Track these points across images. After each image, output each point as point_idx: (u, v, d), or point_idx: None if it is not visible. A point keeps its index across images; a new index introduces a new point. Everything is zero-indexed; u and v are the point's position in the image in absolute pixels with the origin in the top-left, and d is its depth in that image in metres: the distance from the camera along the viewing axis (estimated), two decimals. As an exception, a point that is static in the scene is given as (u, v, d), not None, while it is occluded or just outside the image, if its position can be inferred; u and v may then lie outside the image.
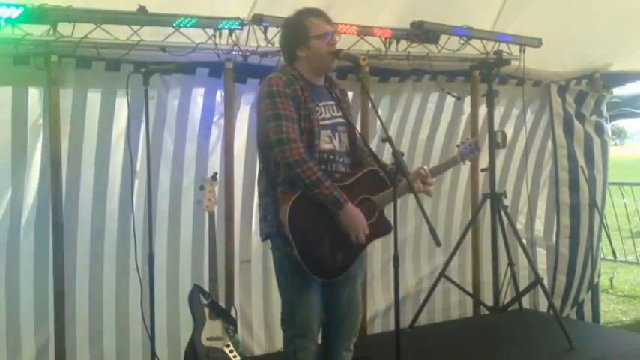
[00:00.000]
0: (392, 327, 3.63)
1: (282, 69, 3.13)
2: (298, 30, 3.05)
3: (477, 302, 5.19)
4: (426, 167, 3.22)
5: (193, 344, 3.64)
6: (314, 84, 3.08)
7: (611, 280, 7.65)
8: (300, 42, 3.04)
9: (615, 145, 37.41)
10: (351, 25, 4.12)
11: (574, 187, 5.49)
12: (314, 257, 2.94)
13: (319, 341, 3.23)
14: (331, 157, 3.02)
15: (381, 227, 3.10)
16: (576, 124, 5.48)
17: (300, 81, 3.02)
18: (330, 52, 3.03)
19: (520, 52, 4.86)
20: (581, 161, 5.50)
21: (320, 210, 2.92)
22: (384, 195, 3.06)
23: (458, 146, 3.58)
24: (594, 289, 5.79)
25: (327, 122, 3.04)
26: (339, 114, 3.10)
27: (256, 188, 3.28)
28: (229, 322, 3.77)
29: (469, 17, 4.59)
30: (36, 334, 3.83)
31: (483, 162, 5.03)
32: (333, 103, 3.11)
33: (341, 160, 3.07)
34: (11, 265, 3.77)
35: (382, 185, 3.07)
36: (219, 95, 4.24)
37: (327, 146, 3.01)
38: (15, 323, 3.78)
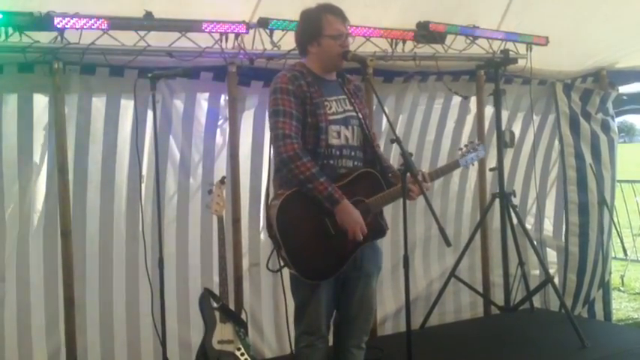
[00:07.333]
0: (402, 328, 3.61)
1: (291, 66, 3.15)
2: (313, 25, 3.06)
3: (488, 302, 5.17)
4: (423, 171, 3.18)
5: (204, 348, 3.64)
6: (324, 79, 3.09)
7: (622, 278, 7.61)
8: (312, 37, 3.06)
9: (624, 142, 37.19)
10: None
11: (582, 185, 5.46)
12: (302, 258, 2.93)
13: (331, 338, 3.22)
14: (338, 152, 3.01)
15: (373, 231, 3.05)
16: (582, 122, 5.46)
17: (309, 77, 3.03)
18: (339, 53, 3.04)
19: (527, 50, 4.85)
20: (588, 159, 5.48)
21: (311, 210, 2.91)
22: (379, 197, 3.03)
23: (460, 149, 3.51)
24: (605, 287, 5.76)
25: (337, 117, 3.03)
26: (352, 108, 3.10)
27: (266, 189, 3.26)
28: (240, 326, 3.77)
29: (475, 17, 4.59)
30: (47, 340, 3.84)
31: (491, 161, 5.02)
32: (344, 97, 3.11)
33: (353, 153, 3.06)
34: (21, 271, 3.79)
35: (377, 187, 3.05)
36: (223, 99, 4.26)
37: (334, 141, 3.01)
38: (26, 330, 3.79)
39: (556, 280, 5.22)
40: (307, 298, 3.02)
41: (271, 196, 3.10)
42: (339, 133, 3.02)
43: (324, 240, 2.94)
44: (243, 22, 3.86)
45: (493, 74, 4.89)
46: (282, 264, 3.04)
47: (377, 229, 3.08)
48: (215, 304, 3.72)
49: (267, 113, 3.08)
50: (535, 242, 5.11)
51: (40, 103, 3.76)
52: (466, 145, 3.52)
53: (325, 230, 2.93)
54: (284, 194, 2.92)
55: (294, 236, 2.92)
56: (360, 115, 3.10)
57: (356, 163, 3.07)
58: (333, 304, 3.11)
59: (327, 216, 2.93)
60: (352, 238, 2.93)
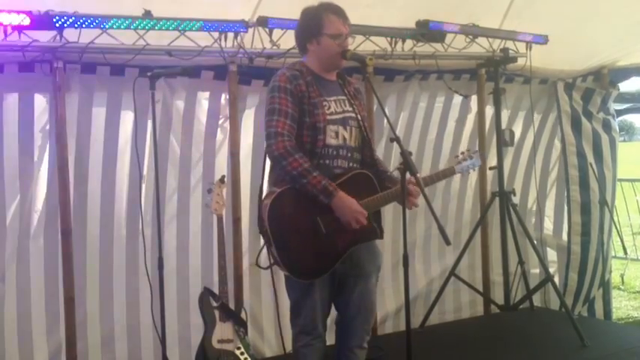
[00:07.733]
0: (402, 327, 3.60)
1: (291, 64, 3.14)
2: (313, 23, 3.06)
3: (488, 301, 5.17)
4: (418, 175, 3.13)
5: (204, 347, 3.65)
6: (324, 78, 3.08)
7: (622, 276, 7.61)
8: (311, 35, 3.06)
9: (624, 141, 37.12)
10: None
11: (584, 184, 5.46)
12: (292, 256, 2.92)
13: (332, 338, 3.22)
14: (335, 152, 3.00)
15: (367, 232, 3.02)
16: (584, 121, 5.45)
17: (308, 76, 3.02)
18: (338, 52, 3.04)
19: (527, 49, 4.85)
20: (590, 158, 5.49)
21: (303, 208, 2.90)
22: (373, 199, 3.01)
23: (457, 156, 3.47)
24: (605, 286, 5.76)
25: (335, 117, 3.02)
26: (351, 109, 3.09)
27: (260, 187, 3.26)
28: (240, 325, 3.77)
29: (476, 16, 4.58)
30: (48, 339, 3.85)
31: (492, 160, 5.02)
32: (344, 98, 3.10)
33: (350, 154, 3.05)
34: (21, 270, 3.79)
35: (371, 189, 3.03)
36: (223, 98, 4.25)
37: (332, 141, 3.00)
38: (26, 329, 3.80)
39: (556, 279, 5.22)
40: (301, 297, 3.02)
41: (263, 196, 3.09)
42: (336, 133, 3.01)
43: (315, 239, 2.92)
44: (242, 20, 3.86)
45: (493, 73, 4.88)
46: (272, 261, 3.05)
47: (371, 230, 3.05)
48: (215, 303, 3.73)
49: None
50: (535, 241, 5.10)
51: (40, 102, 3.76)
52: (462, 153, 3.48)
53: (316, 229, 2.92)
54: (276, 192, 2.92)
55: (285, 234, 2.91)
56: (359, 117, 3.10)
57: (352, 164, 3.06)
58: (328, 304, 3.11)
59: (318, 215, 2.92)
60: (356, 226, 2.91)
